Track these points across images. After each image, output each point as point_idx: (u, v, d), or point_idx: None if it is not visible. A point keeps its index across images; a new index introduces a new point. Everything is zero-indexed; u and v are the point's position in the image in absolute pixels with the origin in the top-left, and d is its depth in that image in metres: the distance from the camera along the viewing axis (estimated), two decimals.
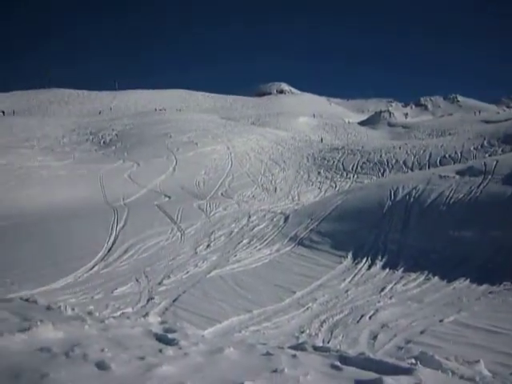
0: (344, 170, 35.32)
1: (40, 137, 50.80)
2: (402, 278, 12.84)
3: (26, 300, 6.25)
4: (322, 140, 46.42)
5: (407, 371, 3.71)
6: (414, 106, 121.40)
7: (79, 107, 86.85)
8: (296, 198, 26.99)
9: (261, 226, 18.60)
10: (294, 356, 4.22)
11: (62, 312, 5.68)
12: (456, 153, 33.83)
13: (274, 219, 19.48)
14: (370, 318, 10.06)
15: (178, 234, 18.00)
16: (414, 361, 4.30)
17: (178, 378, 3.42)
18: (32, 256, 14.88)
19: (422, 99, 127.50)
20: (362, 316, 10.13)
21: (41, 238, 17.05)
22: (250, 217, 20.23)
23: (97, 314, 6.21)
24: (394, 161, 35.04)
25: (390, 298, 11.32)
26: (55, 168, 32.85)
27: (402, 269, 13.48)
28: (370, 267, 13.93)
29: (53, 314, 5.52)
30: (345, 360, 4.13)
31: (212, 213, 21.81)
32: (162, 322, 5.84)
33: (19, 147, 41.35)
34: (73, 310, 5.94)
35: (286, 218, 19.24)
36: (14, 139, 49.31)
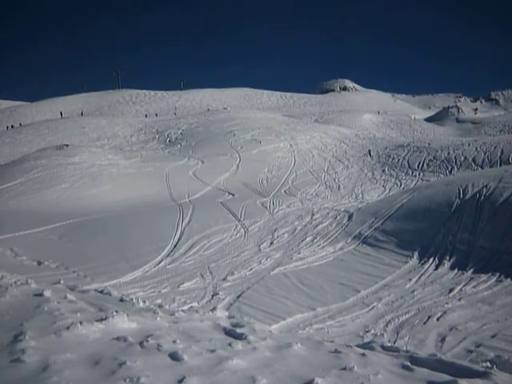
0: (409, 167, 34.49)
1: (110, 136, 52.85)
2: (471, 279, 12.39)
3: (101, 292, 6.53)
4: (370, 153, 39.08)
5: (483, 374, 3.59)
6: (484, 101, 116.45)
7: (146, 107, 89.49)
8: (360, 196, 26.63)
9: (324, 224, 18.49)
10: (363, 355, 4.19)
11: (135, 304, 5.89)
12: None
13: (338, 217, 19.31)
14: (437, 319, 9.80)
15: (242, 230, 18.20)
16: (488, 364, 4.15)
17: (248, 372, 3.48)
18: (103, 251, 15.49)
19: (492, 93, 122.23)
20: (429, 317, 9.88)
21: (111, 234, 17.72)
22: (313, 214, 20.16)
23: (167, 307, 6.40)
24: (462, 158, 33.82)
25: (459, 299, 10.96)
26: (124, 166, 34.01)
27: (471, 270, 13.00)
28: (437, 267, 13.54)
29: (126, 305, 5.75)
30: (416, 361, 4.04)
31: (275, 210, 21.91)
32: (230, 317, 5.95)
33: (91, 146, 43.14)
34: (144, 302, 6.16)
35: (350, 216, 19.02)
36: (85, 138, 51.62)
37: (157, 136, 51.55)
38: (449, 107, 73.99)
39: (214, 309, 7.07)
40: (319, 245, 16.20)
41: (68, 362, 3.43)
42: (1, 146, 49.66)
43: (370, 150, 39.31)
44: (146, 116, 72.78)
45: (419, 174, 32.47)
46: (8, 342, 3.82)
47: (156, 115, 72.99)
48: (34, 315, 4.64)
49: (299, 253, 15.33)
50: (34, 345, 3.74)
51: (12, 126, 63.74)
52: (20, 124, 65.70)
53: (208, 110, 75.61)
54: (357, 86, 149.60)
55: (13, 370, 3.28)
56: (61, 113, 76.10)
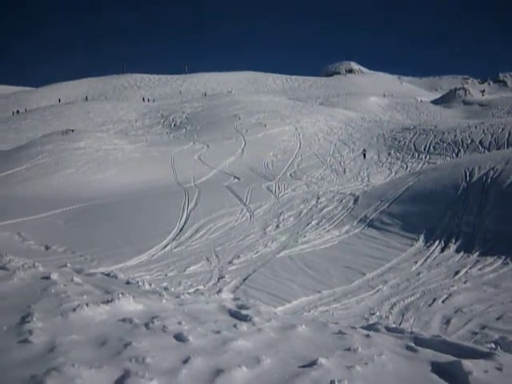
0: (416, 150, 34.32)
1: (115, 121, 52.82)
2: (477, 261, 12.37)
3: (107, 275, 6.57)
4: (364, 155, 34.48)
5: (487, 355, 3.59)
6: (491, 83, 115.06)
7: (151, 91, 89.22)
8: (366, 179, 26.57)
9: (330, 208, 18.48)
10: (367, 336, 4.20)
11: (140, 286, 5.93)
12: None
13: (343, 200, 19.29)
14: (442, 301, 9.80)
15: (248, 214, 18.23)
16: (493, 345, 4.16)
17: (252, 353, 3.50)
18: (109, 235, 15.57)
19: (500, 75, 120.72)
20: (434, 300, 9.89)
21: (117, 218, 17.81)
22: (318, 198, 20.15)
23: (172, 290, 6.44)
24: (469, 140, 33.60)
25: (465, 282, 10.96)
26: (129, 151, 34.04)
27: (477, 252, 12.98)
28: (443, 250, 13.52)
29: (132, 288, 5.78)
30: (420, 342, 4.05)
31: (281, 194, 21.92)
32: (235, 299, 5.98)
33: (96, 131, 43.16)
34: (150, 285, 6.20)
35: (356, 200, 18.99)
36: (90, 123, 51.64)
37: (162, 120, 51.50)
38: (456, 89, 73.46)
39: (220, 291, 7.11)
40: (325, 228, 16.21)
41: (74, 343, 3.46)
42: (6, 131, 49.81)
43: (364, 150, 35.79)
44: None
45: (425, 157, 32.32)
46: (16, 323, 3.86)
47: (147, 100, 72.54)
48: (41, 297, 4.68)
49: (305, 236, 15.34)
50: (41, 326, 3.77)
51: (17, 112, 63.84)
52: (25, 109, 65.79)
53: (205, 94, 74.83)
54: (363, 68, 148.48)
55: (20, 351, 3.31)
56: (59, 99, 76.02)
